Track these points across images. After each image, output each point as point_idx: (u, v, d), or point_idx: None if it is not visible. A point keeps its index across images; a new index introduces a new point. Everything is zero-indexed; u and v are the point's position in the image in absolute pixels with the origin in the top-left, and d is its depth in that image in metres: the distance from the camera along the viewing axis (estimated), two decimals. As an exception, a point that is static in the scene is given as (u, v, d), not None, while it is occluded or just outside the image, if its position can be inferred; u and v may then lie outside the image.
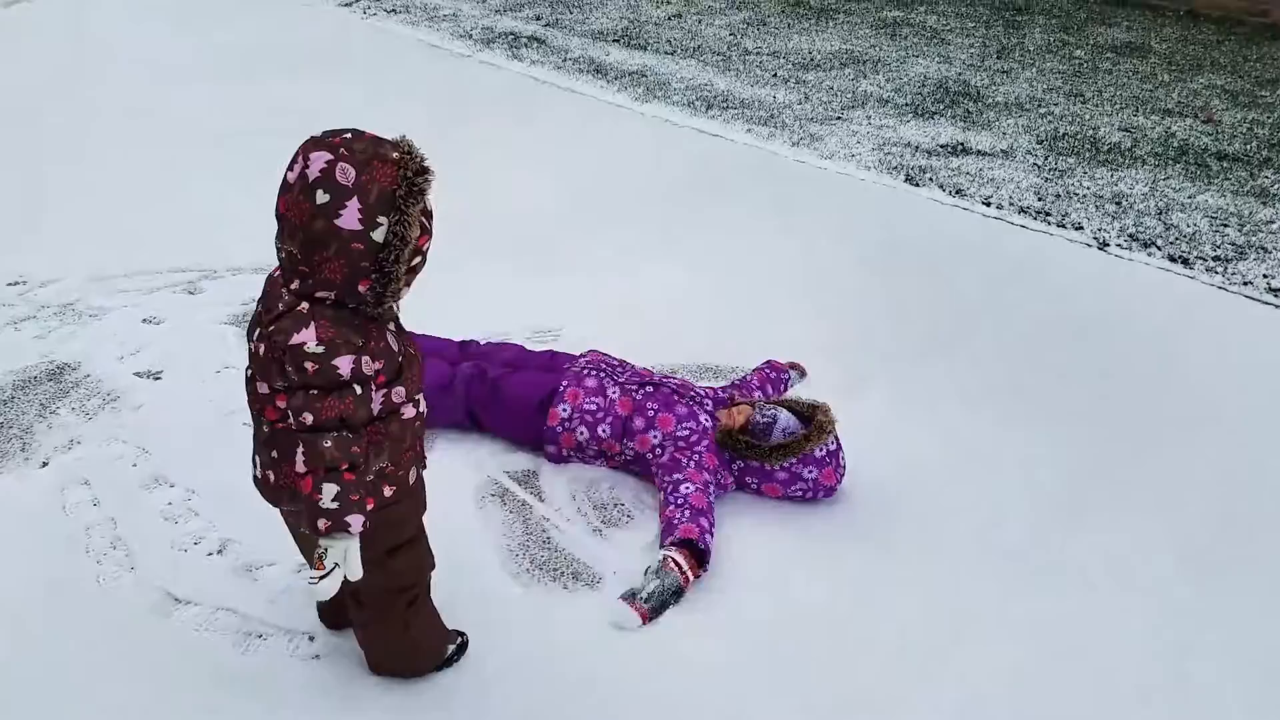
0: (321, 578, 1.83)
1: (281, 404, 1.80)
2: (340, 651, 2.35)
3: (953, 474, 3.11)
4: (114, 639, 2.35)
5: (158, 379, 3.39)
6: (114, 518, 2.74)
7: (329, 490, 1.78)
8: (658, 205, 4.97)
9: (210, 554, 2.63)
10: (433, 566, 2.25)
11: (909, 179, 5.57)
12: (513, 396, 3.04)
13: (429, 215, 1.83)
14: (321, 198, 1.69)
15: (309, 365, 1.74)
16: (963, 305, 4.16)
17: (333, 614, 2.35)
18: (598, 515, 2.87)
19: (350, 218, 1.70)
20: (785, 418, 2.90)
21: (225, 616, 2.44)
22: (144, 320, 3.74)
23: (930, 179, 5.55)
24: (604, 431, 2.97)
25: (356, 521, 1.82)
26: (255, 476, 1.99)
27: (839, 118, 6.46)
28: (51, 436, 3.07)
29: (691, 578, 2.58)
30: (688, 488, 2.76)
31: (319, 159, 1.70)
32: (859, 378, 3.57)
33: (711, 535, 2.68)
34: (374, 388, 1.86)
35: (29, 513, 2.74)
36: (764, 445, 2.84)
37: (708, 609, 2.55)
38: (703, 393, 3.09)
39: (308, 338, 1.73)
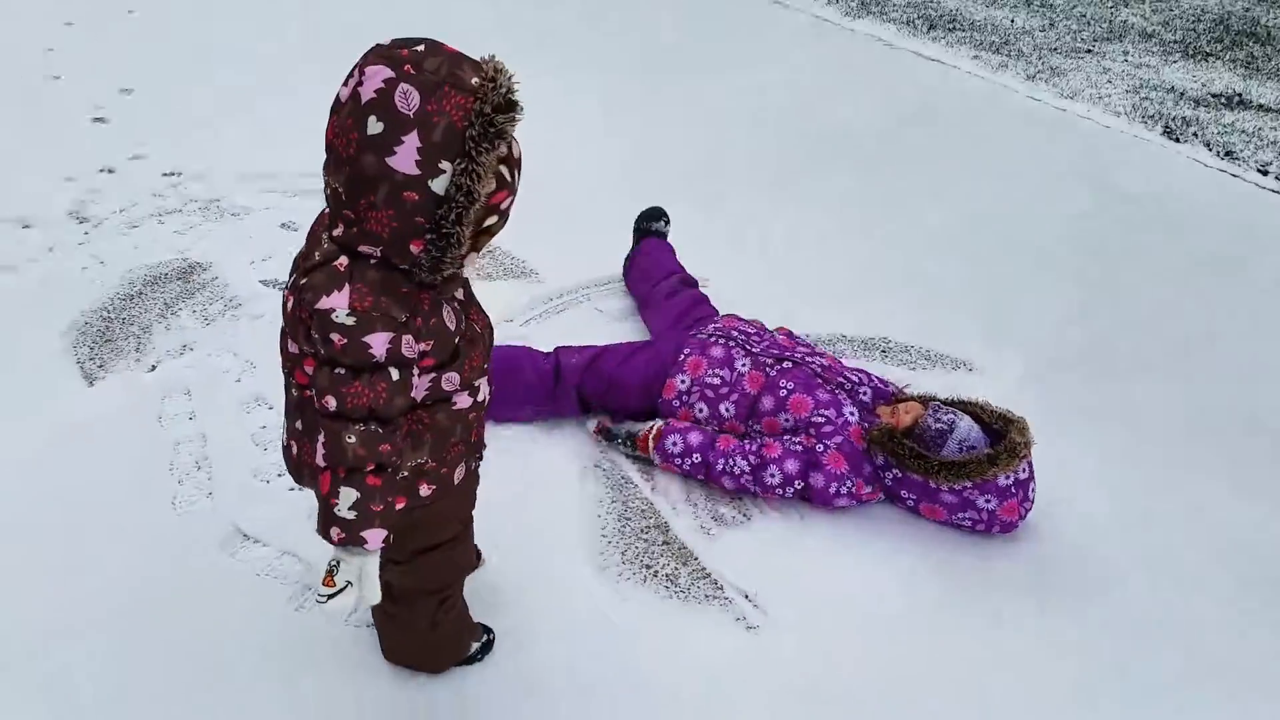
0: (330, 596, 1.48)
1: (310, 370, 1.46)
2: (403, 625, 2.06)
3: (1147, 524, 2.47)
4: (173, 571, 2.14)
5: (282, 289, 3.19)
6: (205, 434, 2.55)
7: (347, 496, 1.43)
8: (855, 142, 4.36)
9: (292, 489, 2.37)
10: (473, 567, 1.93)
11: (1167, 131, 4.68)
12: (631, 372, 2.62)
13: (514, 164, 1.41)
14: (374, 126, 1.30)
15: (336, 338, 1.37)
16: (1216, 307, 3.37)
17: None
18: (709, 511, 2.44)
19: (406, 158, 1.30)
20: (966, 427, 2.34)
21: (290, 564, 2.19)
22: (282, 225, 3.56)
23: (1195, 134, 4.64)
24: (727, 410, 2.51)
25: (375, 538, 1.46)
26: (282, 443, 1.67)
27: (1089, 50, 5.55)
28: (168, 339, 2.92)
29: (651, 447, 2.48)
30: (744, 443, 2.44)
31: (377, 76, 1.31)
32: (1057, 387, 2.93)
33: (684, 453, 2.44)
34: (418, 371, 1.49)
35: (125, 418, 2.59)
36: (933, 458, 2.30)
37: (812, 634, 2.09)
38: (857, 378, 2.57)
39: (338, 303, 1.36)
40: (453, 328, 1.52)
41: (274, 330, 2.88)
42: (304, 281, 1.41)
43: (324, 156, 1.38)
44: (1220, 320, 3.26)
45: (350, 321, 1.36)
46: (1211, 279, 3.50)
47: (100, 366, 2.79)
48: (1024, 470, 2.29)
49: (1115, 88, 5.12)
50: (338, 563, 1.49)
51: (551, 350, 2.69)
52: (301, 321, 1.42)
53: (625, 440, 2.54)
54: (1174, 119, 4.77)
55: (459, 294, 1.57)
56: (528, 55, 4.01)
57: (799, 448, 2.37)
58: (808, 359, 2.56)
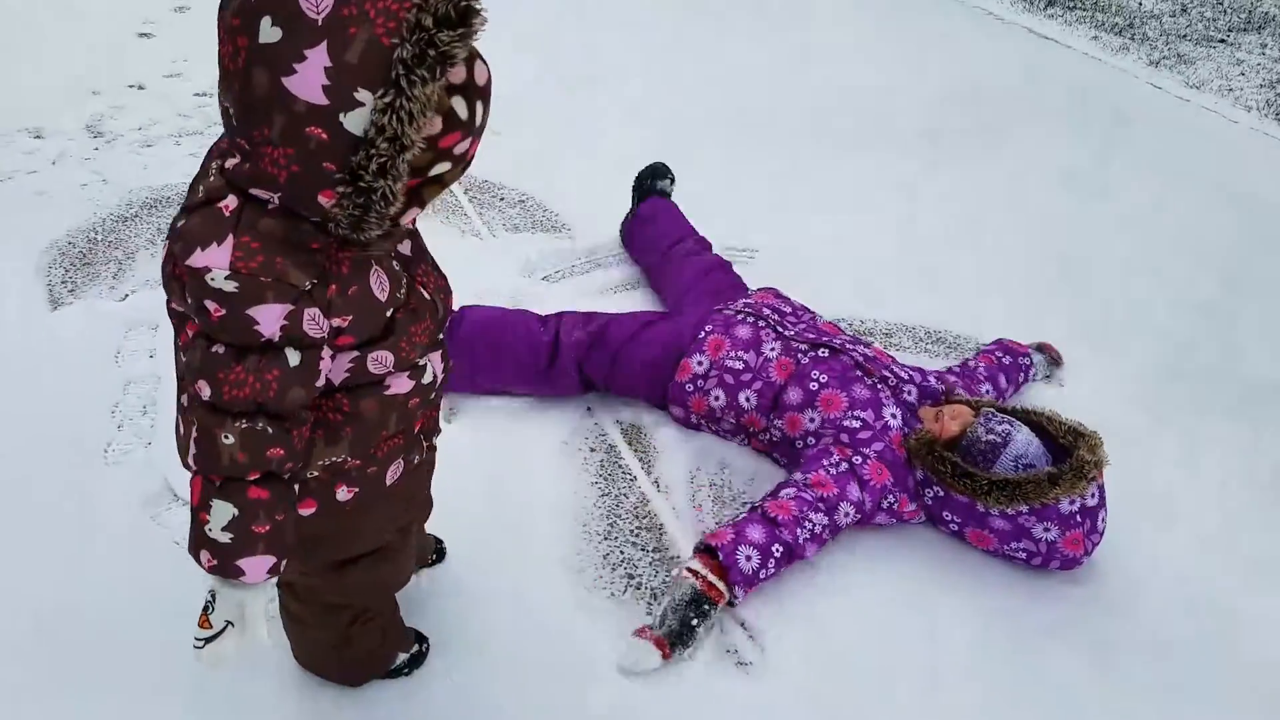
0: (206, 640, 1.16)
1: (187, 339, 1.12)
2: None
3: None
4: (84, 529, 1.89)
5: (286, 223, 2.93)
6: (160, 376, 2.30)
7: (220, 512, 1.11)
8: (951, 121, 3.90)
9: (240, 447, 2.12)
10: (404, 583, 1.61)
11: (1304, 131, 4.11)
12: (643, 348, 2.24)
13: (476, 94, 1.05)
14: (268, 33, 0.96)
15: (212, 306, 1.04)
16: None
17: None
18: (715, 513, 2.08)
19: (309, 81, 0.96)
20: (1024, 440, 1.93)
21: (218, 534, 1.92)
22: (304, 154, 3.30)
23: (1337, 137, 4.06)
24: (747, 400, 2.15)
25: (257, 568, 1.14)
26: (175, 420, 1.26)
27: (1223, 40, 4.96)
28: (149, 267, 2.68)
29: (720, 588, 1.80)
30: (794, 492, 1.93)
31: None
32: (1152, 412, 2.49)
33: (761, 556, 1.83)
34: (330, 353, 1.15)
35: (81, 350, 2.35)
36: (981, 475, 1.91)
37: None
38: (905, 374, 2.16)
39: (216, 261, 1.03)
40: (383, 298, 1.16)
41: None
42: (180, 224, 1.08)
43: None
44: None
45: (230, 287, 1.03)
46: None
47: (70, 291, 2.57)
48: (1093, 496, 1.88)
49: (1248, 81, 4.54)
50: (213, 596, 1.17)
51: (552, 316, 2.34)
52: (174, 277, 1.09)
53: (692, 607, 1.79)
54: (1314, 120, 4.20)
55: (403, 247, 1.23)
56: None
57: (842, 465, 1.97)
58: (849, 346, 2.17)
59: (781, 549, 1.86)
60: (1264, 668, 1.85)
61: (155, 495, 1.98)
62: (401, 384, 1.25)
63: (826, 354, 2.13)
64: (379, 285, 1.16)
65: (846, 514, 1.93)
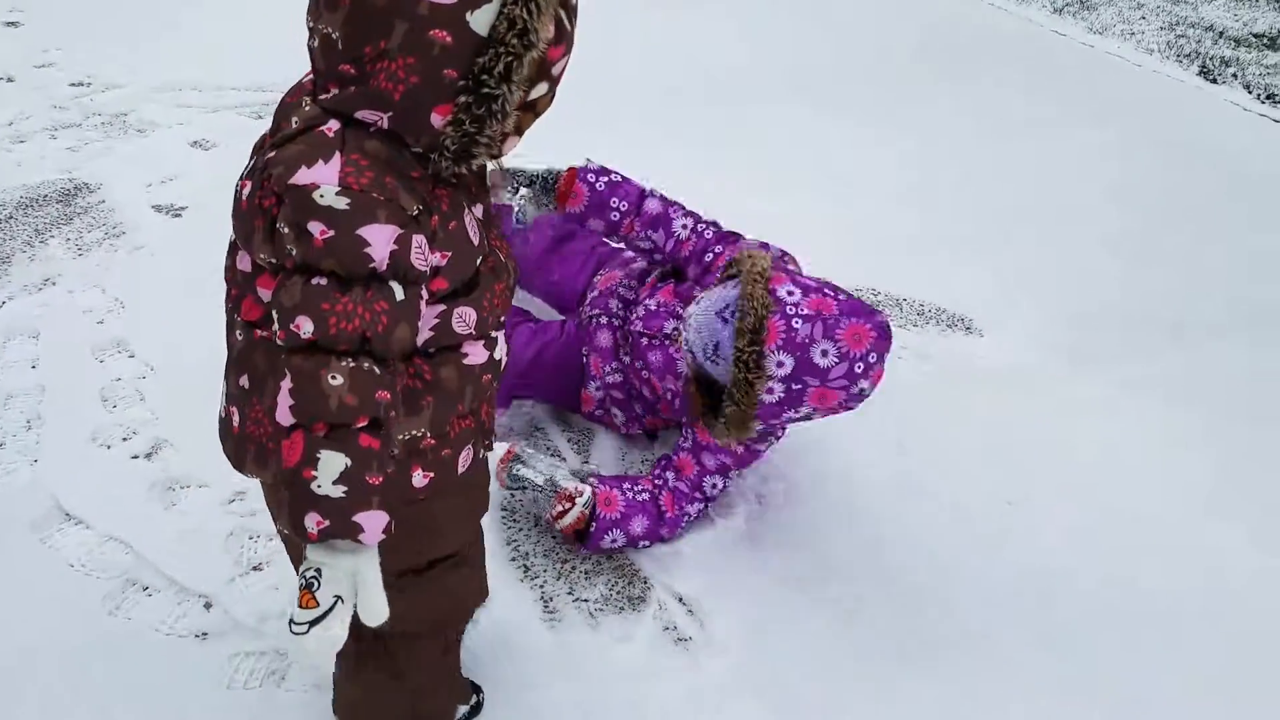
0: (312, 622, 0.98)
1: (267, 294, 1.02)
2: (237, 632, 1.66)
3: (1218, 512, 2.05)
4: (-32, 558, 1.75)
5: (177, 216, 2.77)
6: (45, 386, 2.14)
7: (330, 464, 0.94)
8: (871, 79, 3.87)
9: (135, 457, 1.99)
10: (480, 603, 1.47)
11: (1204, 72, 4.18)
12: (544, 367, 2.12)
13: (572, 12, 1.00)
14: None
15: (318, 228, 0.93)
16: (1266, 264, 2.92)
17: None
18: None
19: None
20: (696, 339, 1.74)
21: (114, 551, 1.78)
22: (193, 143, 3.12)
23: (1234, 75, 4.14)
24: (641, 411, 2.08)
25: (375, 524, 0.98)
26: (220, 415, 1.20)
27: (1121, -17, 5.02)
28: (28, 271, 2.50)
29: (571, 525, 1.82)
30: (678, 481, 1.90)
31: None
32: (1099, 353, 2.51)
33: (625, 542, 1.83)
34: (426, 295, 1.04)
35: (-45, 364, 2.19)
36: (712, 419, 1.75)
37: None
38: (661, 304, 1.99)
39: (324, 178, 0.94)
40: (476, 241, 1.08)
41: (155, 264, 2.52)
42: (272, 155, 0.98)
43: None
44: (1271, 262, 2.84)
45: (341, 204, 0.93)
46: (1252, 217, 3.07)
47: (-59, 300, 2.38)
48: (780, 366, 1.62)
49: (1149, 24, 4.60)
50: (318, 570, 0.98)
51: None
52: (263, 212, 0.98)
53: (545, 494, 1.85)
54: (1212, 59, 4.26)
55: (477, 210, 1.11)
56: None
57: (692, 437, 1.89)
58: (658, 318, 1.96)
59: (649, 544, 1.86)
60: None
61: (44, 517, 1.84)
62: (478, 353, 1.15)
63: (647, 342, 1.97)
64: (472, 228, 1.08)
65: (716, 484, 1.90)
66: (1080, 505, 2.03)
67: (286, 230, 0.95)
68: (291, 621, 0.98)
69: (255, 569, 1.77)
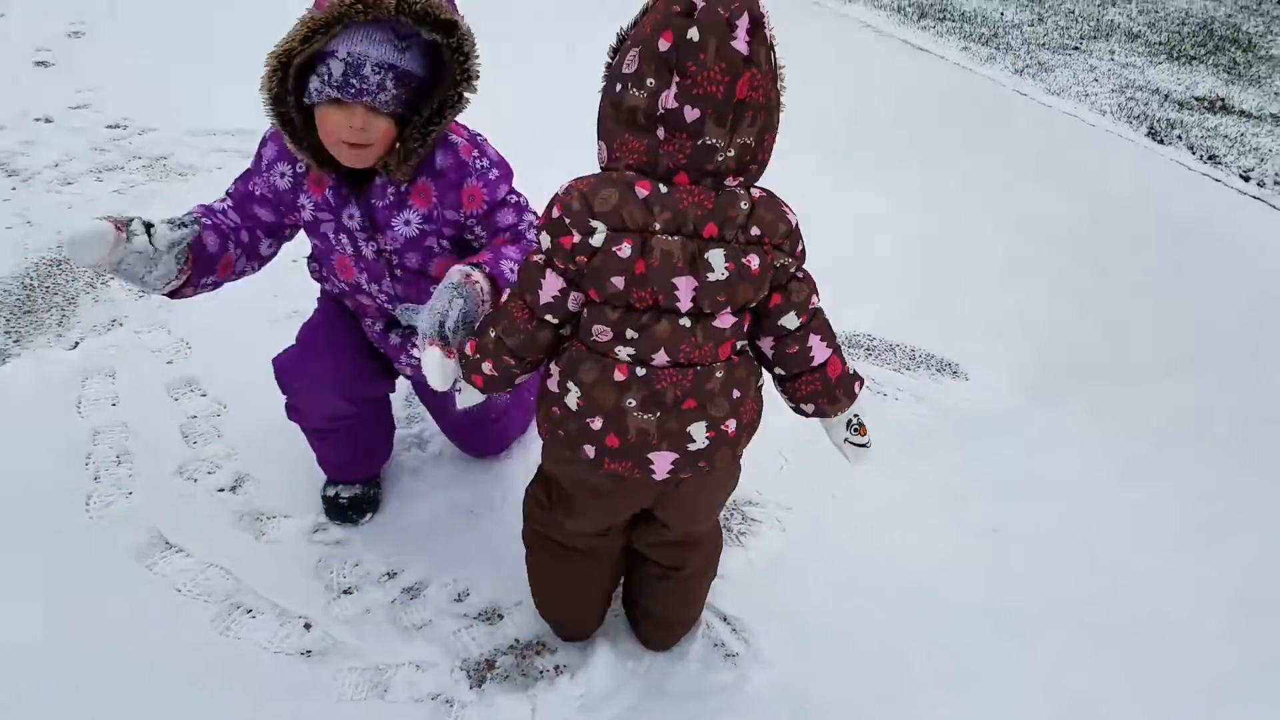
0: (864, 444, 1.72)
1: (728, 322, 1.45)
2: (339, 650, 1.87)
3: (1121, 565, 2.34)
4: (81, 585, 1.93)
5: (226, 260, 2.96)
6: (128, 424, 2.33)
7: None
8: (836, 129, 4.18)
9: (221, 490, 2.19)
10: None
11: (1152, 133, 4.56)
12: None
13: None
14: (769, 59, 1.35)
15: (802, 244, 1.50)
16: (1207, 312, 3.25)
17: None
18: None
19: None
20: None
21: (216, 577, 1.99)
22: (231, 188, 3.31)
23: (1179, 137, 4.53)
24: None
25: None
26: (698, 449, 1.50)
27: (1076, 47, 5.43)
28: (94, 312, 2.68)
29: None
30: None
31: (745, 17, 1.29)
32: (1025, 389, 2.79)
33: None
34: None
35: (40, 403, 2.36)
36: None
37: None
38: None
39: (792, 214, 1.47)
40: None
41: (214, 306, 2.70)
42: (754, 227, 1.40)
43: (707, 123, 1.31)
44: (1211, 310, 3.17)
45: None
46: (1195, 270, 3.41)
47: (15, 341, 2.55)
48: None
49: (1101, 86, 5.00)
50: (856, 416, 1.67)
51: None
52: (775, 269, 1.44)
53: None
54: (1159, 120, 4.66)
55: None
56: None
57: None
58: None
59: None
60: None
61: (147, 545, 2.03)
62: None
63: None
64: None
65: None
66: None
67: (795, 255, 1.47)
68: (853, 442, 1.70)
69: (345, 593, 1.98)
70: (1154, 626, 2.10)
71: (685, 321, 1.41)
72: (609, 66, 1.40)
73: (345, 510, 2.12)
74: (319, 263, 1.91)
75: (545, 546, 1.81)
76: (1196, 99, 4.93)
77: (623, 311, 1.40)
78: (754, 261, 1.39)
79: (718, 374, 1.46)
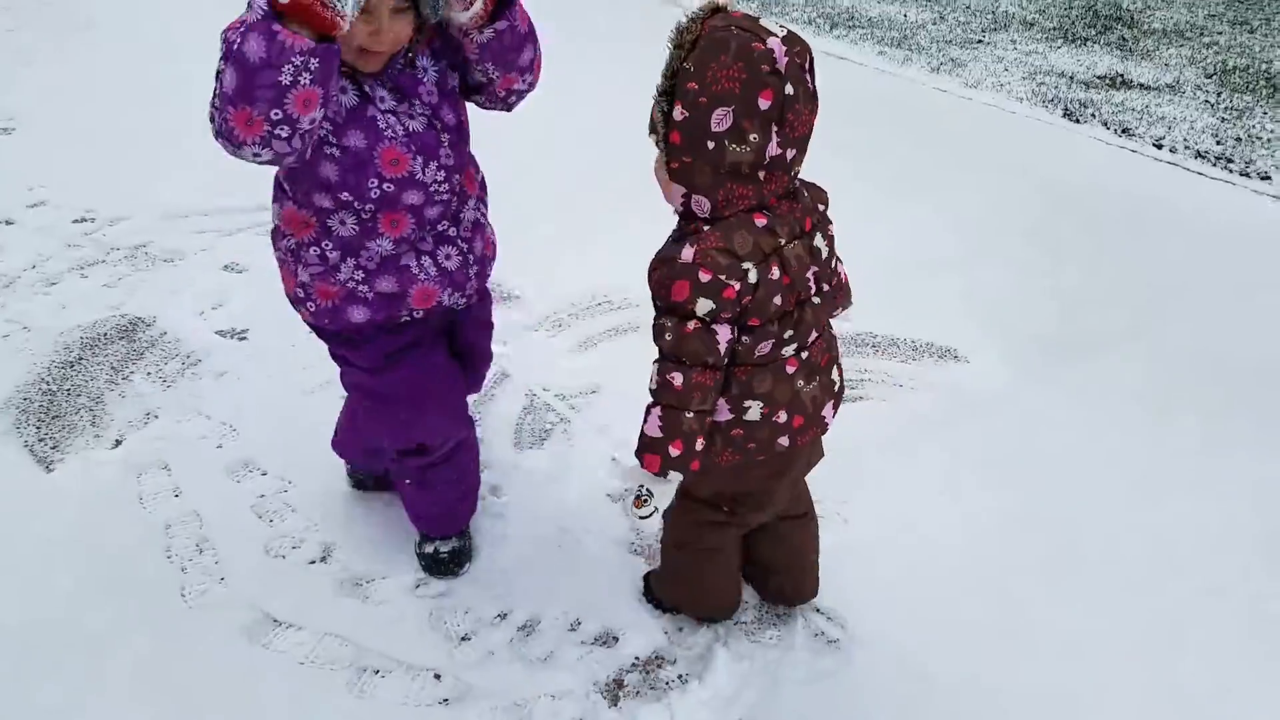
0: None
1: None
2: (474, 693, 1.92)
3: (1147, 503, 2.55)
4: (201, 672, 1.94)
5: (243, 339, 2.96)
6: (198, 512, 2.32)
7: None
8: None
9: (312, 562, 2.21)
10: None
11: (1068, 114, 4.89)
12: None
13: None
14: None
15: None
16: (1151, 274, 3.51)
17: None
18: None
19: None
20: None
21: (335, 645, 2.01)
22: (225, 267, 3.30)
23: (1093, 115, 4.87)
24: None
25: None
26: (838, 387, 1.80)
27: (980, 41, 5.77)
28: (125, 408, 2.65)
29: None
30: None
31: (805, 44, 1.50)
32: (1018, 364, 2.99)
33: None
34: None
35: (100, 505, 2.33)
36: None
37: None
38: None
39: None
40: None
41: (244, 387, 2.71)
42: (817, 203, 1.67)
43: (799, 157, 1.54)
44: (1153, 271, 3.43)
45: None
46: (1127, 235, 3.68)
47: (54, 448, 2.51)
48: None
49: (1012, 75, 5.33)
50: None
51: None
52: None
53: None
54: (1071, 101, 5.00)
55: None
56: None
57: None
58: None
59: None
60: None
61: (255, 625, 2.04)
62: None
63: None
64: None
65: None
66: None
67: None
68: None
69: (464, 639, 2.03)
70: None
71: (816, 299, 1.68)
72: (685, 124, 1.48)
73: (447, 564, 2.16)
74: (348, 199, 1.69)
75: (709, 555, 1.95)
76: (1099, 78, 5.30)
77: (779, 320, 1.59)
78: (830, 228, 1.71)
79: (828, 326, 1.75)
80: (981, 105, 4.98)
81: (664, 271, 1.54)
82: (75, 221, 3.55)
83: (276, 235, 1.85)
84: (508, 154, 3.70)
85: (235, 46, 1.41)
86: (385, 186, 1.69)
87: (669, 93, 1.50)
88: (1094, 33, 5.92)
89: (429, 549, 2.17)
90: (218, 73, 1.46)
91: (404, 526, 2.23)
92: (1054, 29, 5.94)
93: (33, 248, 3.37)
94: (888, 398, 2.84)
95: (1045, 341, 3.09)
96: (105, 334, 2.94)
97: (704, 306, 1.51)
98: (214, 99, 1.47)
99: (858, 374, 2.93)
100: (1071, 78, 5.29)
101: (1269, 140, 4.59)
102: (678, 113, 1.49)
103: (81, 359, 2.83)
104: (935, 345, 3.09)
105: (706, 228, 1.54)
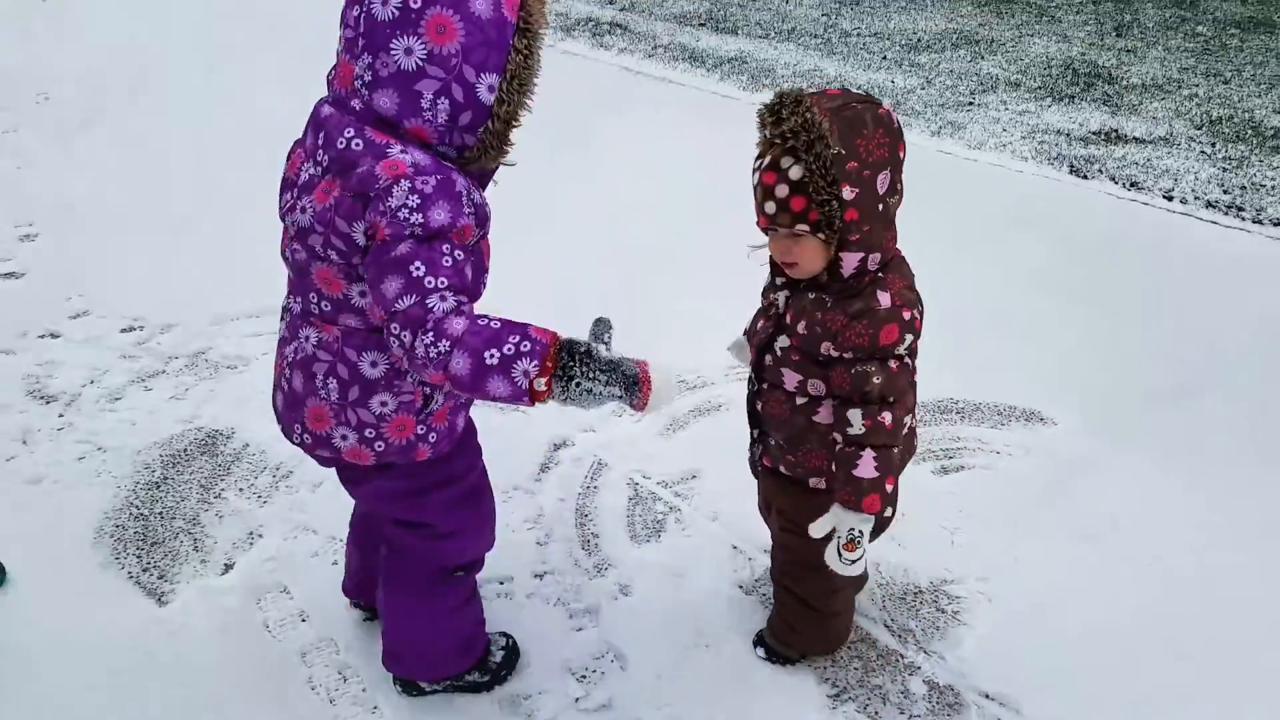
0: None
1: None
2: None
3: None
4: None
5: (329, 446, 2.87)
6: (333, 638, 2.22)
7: None
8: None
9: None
10: None
11: (1074, 170, 5.04)
12: None
13: None
14: None
15: None
16: (1180, 328, 3.56)
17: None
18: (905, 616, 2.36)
19: None
20: None
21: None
22: (293, 371, 3.21)
23: (1099, 170, 5.02)
24: None
25: None
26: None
27: (972, 103, 5.93)
28: (225, 528, 2.55)
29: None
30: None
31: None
32: (1103, 422, 3.02)
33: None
34: None
35: (224, 636, 2.22)
36: None
37: None
38: None
39: None
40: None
41: (346, 495, 2.64)
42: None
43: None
44: (1182, 321, 3.53)
45: None
46: (1153, 286, 3.77)
47: (161, 578, 2.39)
48: None
49: (1012, 135, 5.48)
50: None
51: None
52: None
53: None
54: (1075, 158, 5.15)
55: None
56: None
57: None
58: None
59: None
60: None
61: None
62: None
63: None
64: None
65: None
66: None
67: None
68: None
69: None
70: None
71: None
72: (858, 200, 1.62)
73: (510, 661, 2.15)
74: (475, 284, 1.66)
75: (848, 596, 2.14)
76: (1094, 133, 5.49)
77: None
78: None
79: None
80: (988, 165, 5.11)
81: (868, 322, 1.68)
82: (124, 331, 3.44)
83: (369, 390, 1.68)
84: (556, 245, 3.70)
85: (475, 366, 1.41)
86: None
87: (826, 184, 1.59)
88: (1078, 90, 6.13)
89: (495, 659, 2.12)
90: (446, 349, 1.42)
91: (540, 641, 2.18)
92: (1039, 88, 6.15)
93: (86, 361, 3.25)
94: (991, 465, 2.85)
95: (1121, 398, 3.14)
96: (185, 450, 2.83)
97: (906, 342, 1.70)
98: (421, 350, 1.43)
99: (952, 442, 2.95)
100: (1069, 135, 5.46)
101: (1273, 187, 4.77)
102: (847, 193, 1.60)
103: (167, 479, 2.72)
104: (1019, 409, 3.11)
105: (880, 274, 1.71)
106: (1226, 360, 3.34)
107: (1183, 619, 2.31)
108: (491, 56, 1.49)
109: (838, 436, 1.74)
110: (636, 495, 2.71)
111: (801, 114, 1.58)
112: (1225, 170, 5.00)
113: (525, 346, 1.42)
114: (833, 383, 1.74)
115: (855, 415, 1.69)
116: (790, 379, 1.81)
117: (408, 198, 1.46)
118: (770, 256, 1.82)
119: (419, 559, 1.90)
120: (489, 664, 2.09)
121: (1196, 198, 4.71)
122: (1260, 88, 6.16)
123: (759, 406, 1.91)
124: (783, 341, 1.81)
